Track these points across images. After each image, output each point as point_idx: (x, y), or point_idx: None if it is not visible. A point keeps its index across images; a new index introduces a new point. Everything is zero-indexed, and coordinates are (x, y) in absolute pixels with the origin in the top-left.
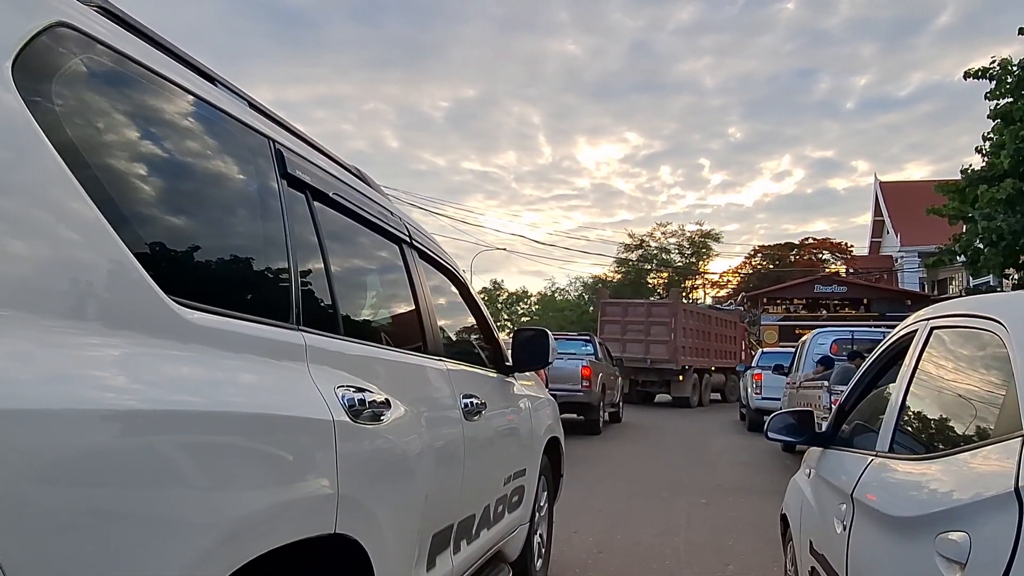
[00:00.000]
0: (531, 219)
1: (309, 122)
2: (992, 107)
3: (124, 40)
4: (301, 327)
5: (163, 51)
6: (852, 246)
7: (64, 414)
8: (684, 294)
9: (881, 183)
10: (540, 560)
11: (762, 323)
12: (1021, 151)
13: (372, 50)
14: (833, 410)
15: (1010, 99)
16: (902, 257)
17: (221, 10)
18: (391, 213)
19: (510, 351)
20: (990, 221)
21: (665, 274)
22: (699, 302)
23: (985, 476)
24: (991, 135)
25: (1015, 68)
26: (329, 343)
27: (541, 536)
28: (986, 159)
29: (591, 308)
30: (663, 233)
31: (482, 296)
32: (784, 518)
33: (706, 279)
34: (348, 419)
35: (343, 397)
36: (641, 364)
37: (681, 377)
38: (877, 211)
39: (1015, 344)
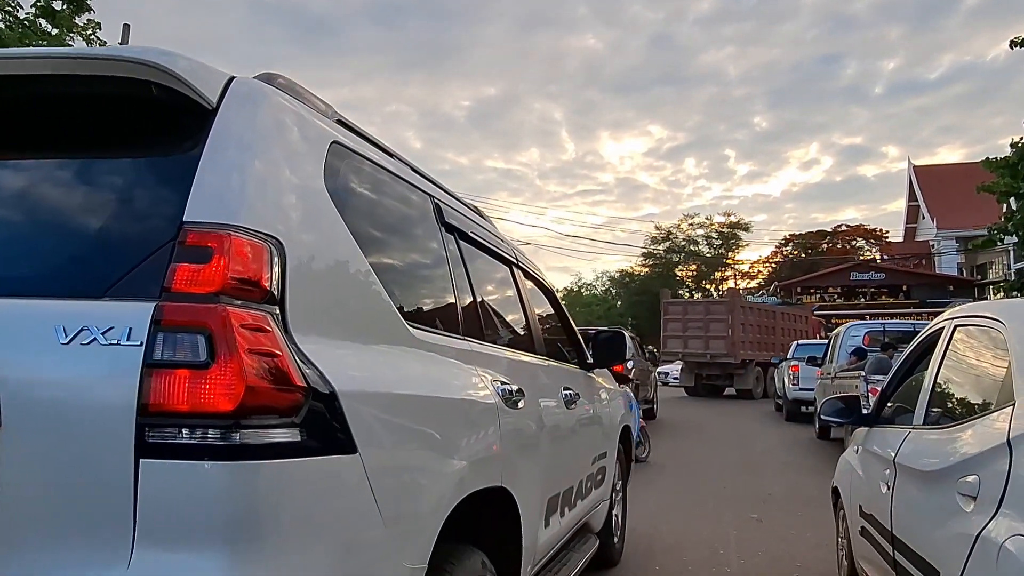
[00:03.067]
0: (556, 215)
1: None
2: None
3: (354, 140)
4: (465, 336)
5: (364, 140)
6: (887, 232)
7: (377, 390)
8: (716, 286)
9: (915, 167)
10: (618, 534)
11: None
12: None
13: (394, 53)
14: (874, 395)
15: None
16: (939, 242)
17: (247, 18)
18: (503, 241)
19: (589, 350)
20: None
21: (694, 266)
22: None
23: (988, 434)
24: None
25: None
26: (481, 347)
27: (617, 514)
28: None
29: (618, 303)
30: (690, 224)
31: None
32: (835, 490)
33: (736, 270)
34: (503, 404)
35: (497, 388)
36: (702, 359)
37: (742, 370)
38: (911, 196)
39: (1010, 338)
